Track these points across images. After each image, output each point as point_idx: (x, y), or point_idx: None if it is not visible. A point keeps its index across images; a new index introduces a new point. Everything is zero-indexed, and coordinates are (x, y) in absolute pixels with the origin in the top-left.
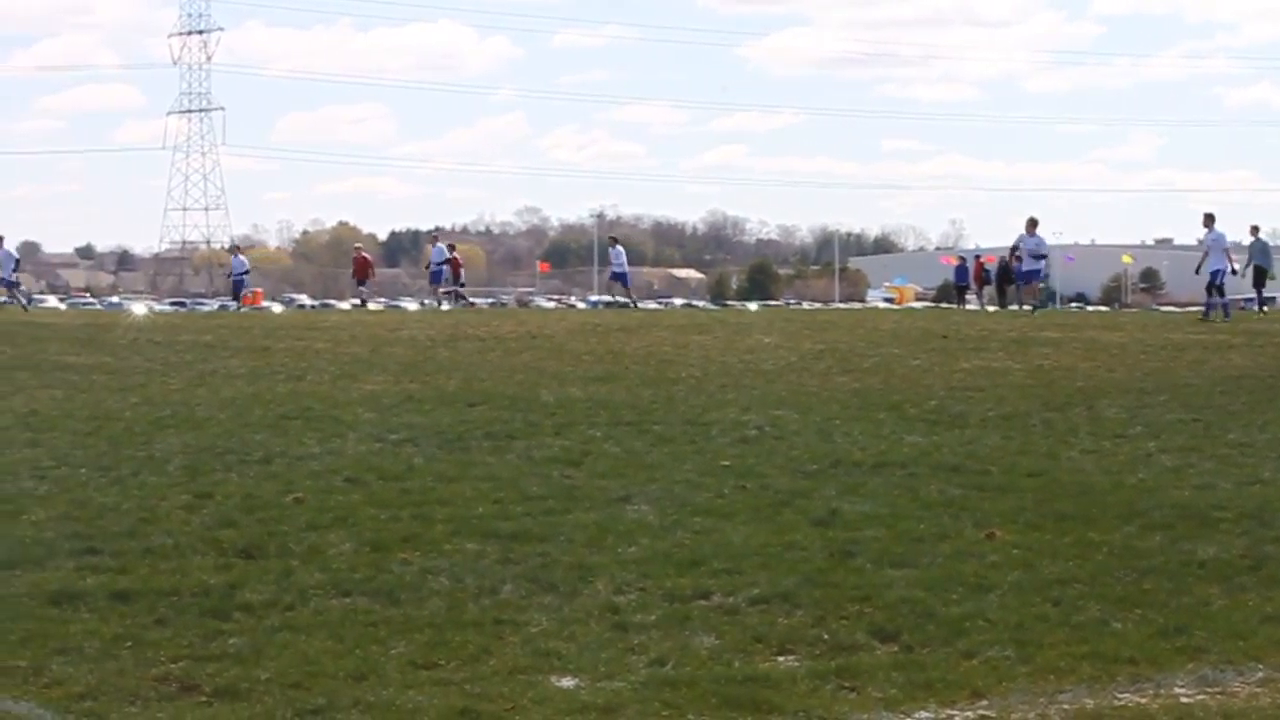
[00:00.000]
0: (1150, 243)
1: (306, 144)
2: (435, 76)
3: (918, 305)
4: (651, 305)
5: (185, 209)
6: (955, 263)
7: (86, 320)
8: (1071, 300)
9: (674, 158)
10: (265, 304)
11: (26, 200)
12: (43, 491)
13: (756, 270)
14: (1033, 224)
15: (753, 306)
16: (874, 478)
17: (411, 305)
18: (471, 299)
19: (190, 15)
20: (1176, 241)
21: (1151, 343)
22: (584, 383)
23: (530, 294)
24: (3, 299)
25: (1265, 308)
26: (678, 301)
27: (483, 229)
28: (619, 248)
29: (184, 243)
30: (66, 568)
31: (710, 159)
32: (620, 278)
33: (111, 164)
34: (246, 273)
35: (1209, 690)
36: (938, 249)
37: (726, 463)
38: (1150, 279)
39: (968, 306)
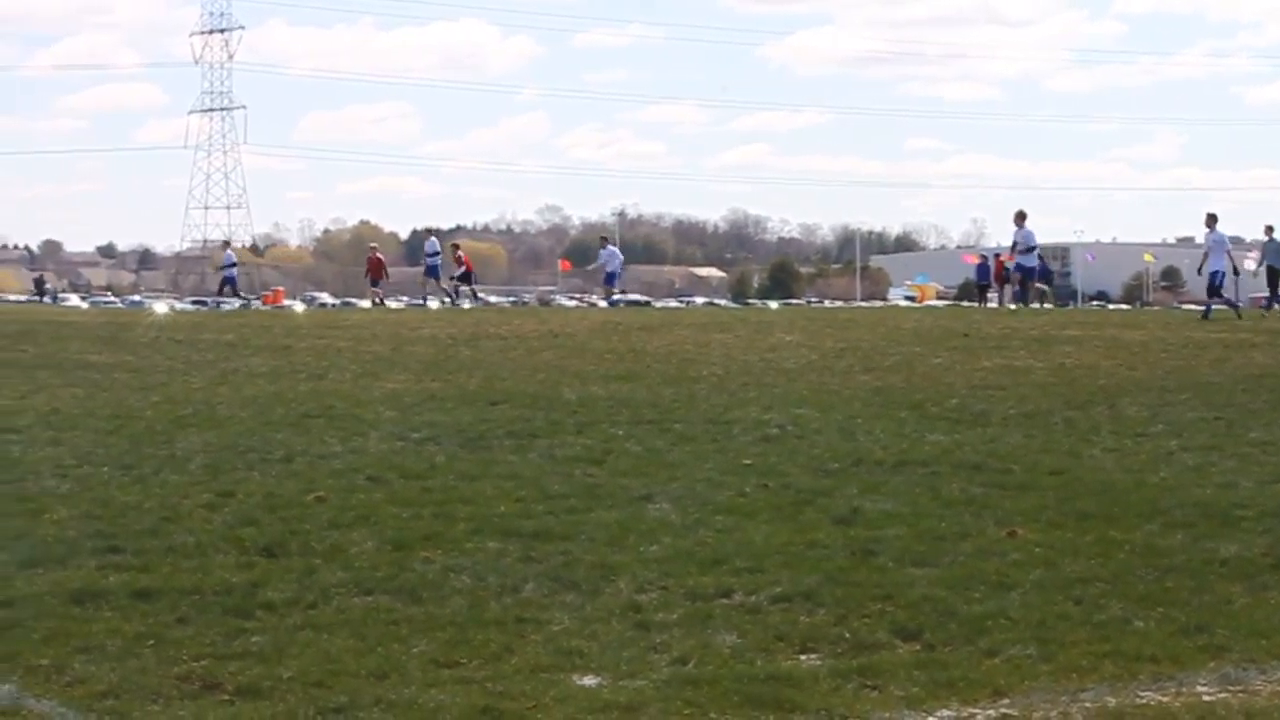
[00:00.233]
0: (1172, 241)
1: (328, 143)
2: (458, 75)
3: (939, 304)
4: (673, 303)
5: (207, 208)
6: (976, 261)
7: (108, 319)
8: (1093, 299)
9: (696, 157)
10: (287, 303)
11: (48, 199)
12: (65, 490)
13: (778, 269)
14: (1021, 216)
15: (774, 305)
16: (896, 476)
17: (433, 303)
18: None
19: (212, 14)
20: (1198, 240)
21: (1173, 341)
22: (606, 381)
23: (552, 293)
24: None
25: (1277, 305)
26: (699, 300)
27: (504, 228)
28: (611, 248)
29: (205, 241)
30: (88, 566)
31: (732, 158)
32: (610, 278)
33: (133, 163)
34: (234, 265)
35: (1231, 688)
36: (959, 247)
37: (748, 461)
38: (1171, 277)
39: (989, 305)
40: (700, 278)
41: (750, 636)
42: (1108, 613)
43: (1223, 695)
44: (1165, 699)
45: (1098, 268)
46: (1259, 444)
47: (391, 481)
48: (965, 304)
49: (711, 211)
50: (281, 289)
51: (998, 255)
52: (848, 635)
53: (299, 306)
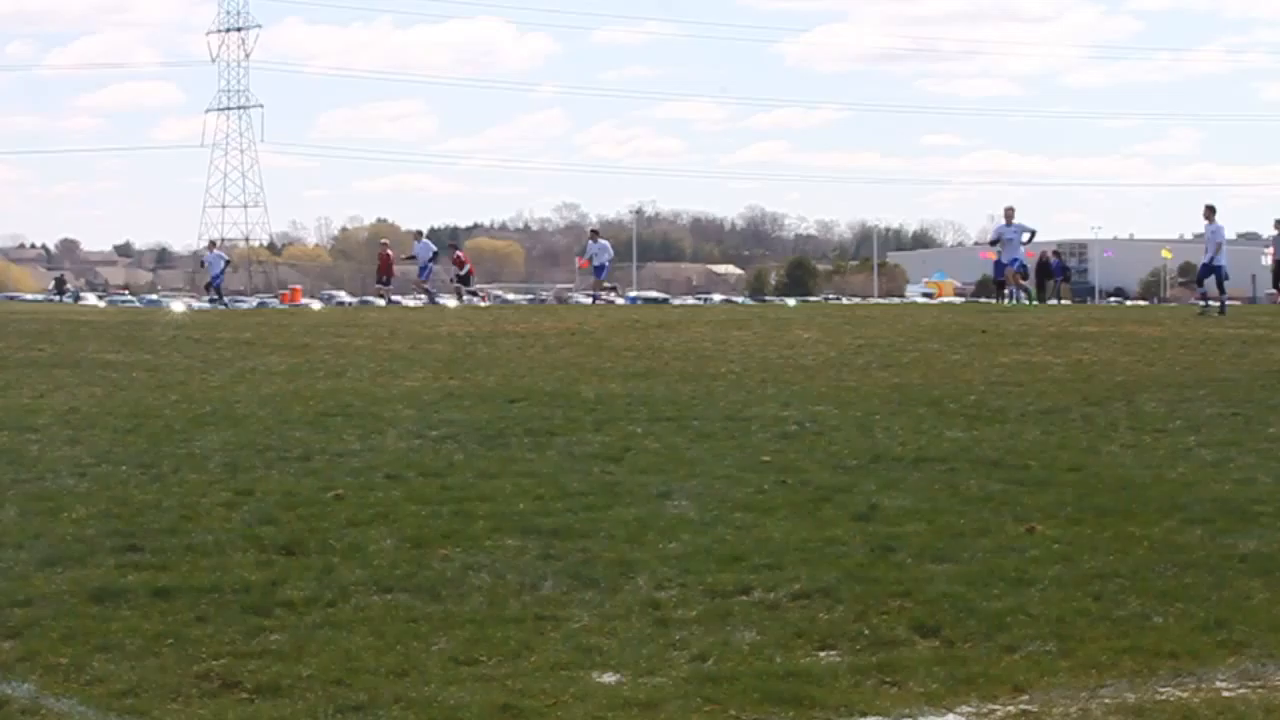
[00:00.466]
0: (1189, 237)
1: (345, 141)
2: (475, 73)
3: (956, 300)
4: (690, 301)
5: (224, 206)
6: (994, 258)
7: (126, 318)
8: (1111, 295)
9: (713, 154)
10: (304, 301)
11: (66, 198)
12: (83, 489)
13: (795, 266)
14: (1010, 213)
15: (791, 302)
16: (914, 473)
17: (451, 301)
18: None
19: (229, 12)
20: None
21: (1190, 337)
22: (624, 378)
23: (569, 290)
24: None
25: None
26: (717, 297)
27: (521, 225)
28: (602, 241)
29: (223, 240)
30: (107, 565)
31: (750, 155)
32: (599, 271)
33: (150, 162)
34: (228, 263)
35: (1250, 684)
36: (976, 244)
37: (767, 458)
38: (1189, 273)
39: (1006, 301)
40: (718, 275)
41: (769, 633)
42: (1127, 608)
43: (1242, 691)
44: (1184, 695)
45: (1115, 264)
46: (1277, 439)
47: (410, 479)
48: (983, 300)
49: (729, 209)
50: (299, 287)
51: None
52: (867, 632)
53: (316, 305)
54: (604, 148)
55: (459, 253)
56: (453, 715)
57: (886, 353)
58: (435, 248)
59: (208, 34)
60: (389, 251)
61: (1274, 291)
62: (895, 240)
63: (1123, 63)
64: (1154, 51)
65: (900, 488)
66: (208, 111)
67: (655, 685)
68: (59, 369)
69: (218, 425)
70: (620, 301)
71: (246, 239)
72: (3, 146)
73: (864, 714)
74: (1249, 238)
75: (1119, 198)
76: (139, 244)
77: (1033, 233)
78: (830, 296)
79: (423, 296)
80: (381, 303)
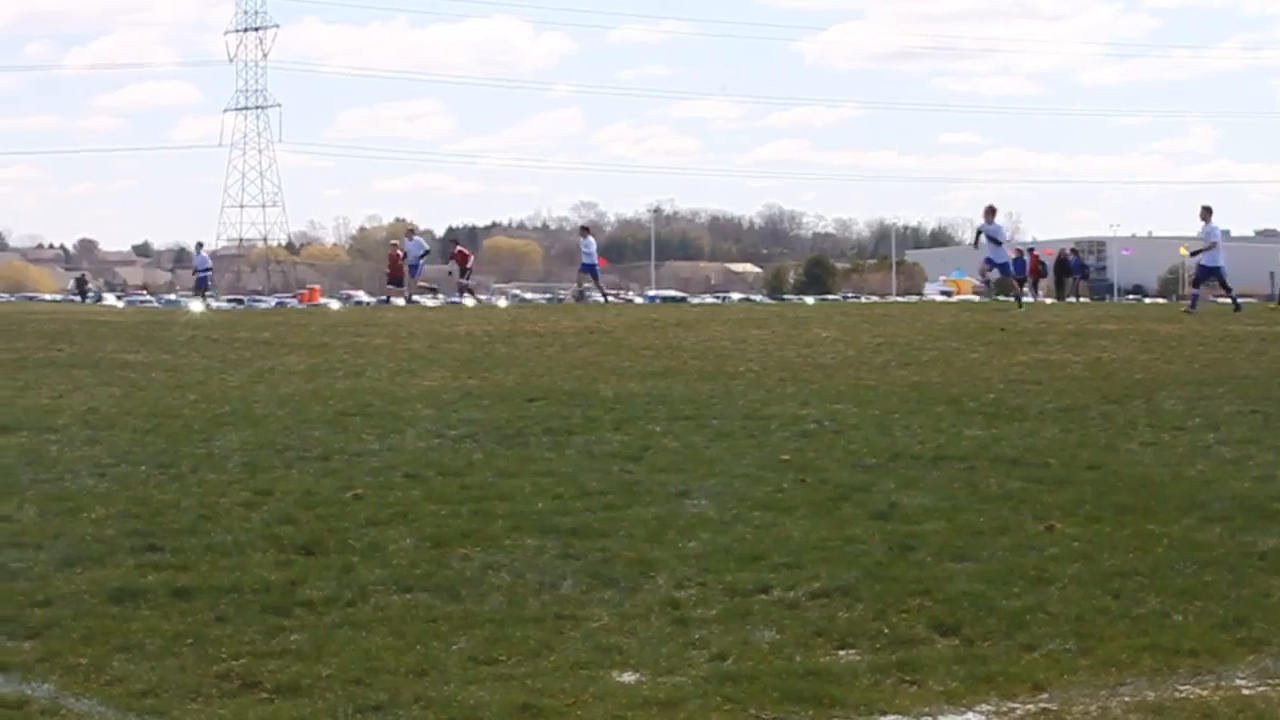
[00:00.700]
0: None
1: (363, 140)
2: (492, 72)
3: (975, 298)
4: (709, 299)
5: (242, 206)
6: (1012, 255)
7: (144, 318)
8: (1129, 293)
9: (731, 153)
10: (322, 301)
11: (84, 198)
12: (103, 489)
13: (813, 264)
14: (991, 211)
15: (810, 300)
16: (933, 471)
17: (469, 301)
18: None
19: (246, 12)
20: (1234, 234)
21: (1209, 334)
22: (642, 378)
23: (587, 289)
24: None
25: None
26: (735, 296)
27: (539, 224)
28: (590, 239)
29: (241, 240)
30: (127, 565)
31: (767, 153)
32: (589, 269)
33: (168, 162)
34: (209, 267)
35: (1270, 682)
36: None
37: (786, 457)
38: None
39: (1024, 299)
40: (736, 274)
41: (789, 632)
42: (1146, 606)
43: (1262, 689)
44: (1204, 693)
45: (1134, 261)
46: None
47: (429, 479)
48: (1001, 298)
49: (747, 207)
50: (317, 287)
51: (1032, 250)
52: (886, 630)
53: (334, 304)
54: (621, 146)
55: (459, 248)
56: (472, 715)
57: (905, 351)
58: (427, 246)
59: (225, 34)
60: (399, 251)
61: None
62: (913, 238)
63: (1139, 60)
64: (1170, 49)
65: (919, 486)
66: (225, 111)
67: (675, 684)
68: (78, 369)
69: (237, 425)
70: (638, 300)
71: (265, 239)
72: (21, 147)
73: (884, 712)
74: (1267, 234)
75: (1136, 195)
76: (157, 244)
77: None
78: (849, 295)
79: (418, 296)
80: (400, 302)
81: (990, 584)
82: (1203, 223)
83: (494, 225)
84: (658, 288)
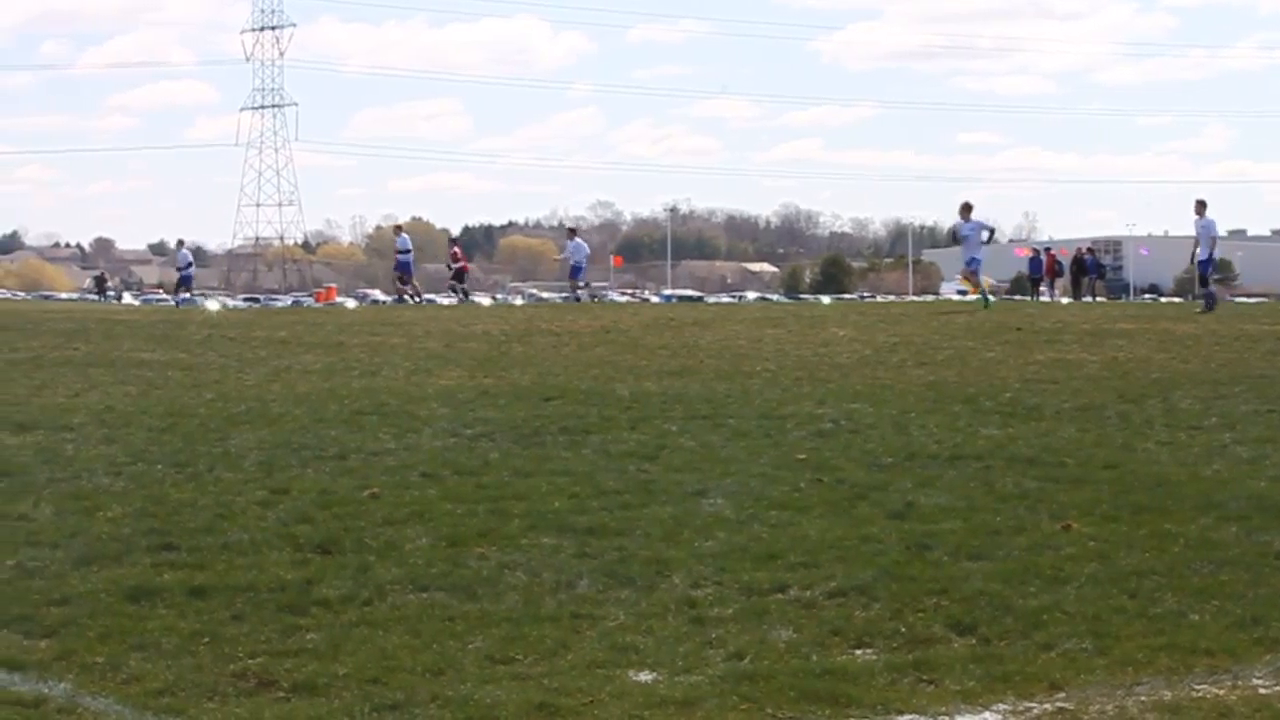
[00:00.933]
0: (1224, 234)
1: (380, 139)
2: (510, 71)
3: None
4: (725, 299)
5: (258, 205)
6: (1029, 255)
7: (161, 317)
8: (1145, 292)
9: (748, 152)
10: (339, 300)
11: (100, 197)
12: (119, 488)
13: (830, 263)
14: (966, 209)
15: (826, 300)
16: (949, 470)
17: (485, 300)
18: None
19: (263, 11)
20: (1250, 233)
21: (1225, 334)
22: (659, 377)
23: (604, 288)
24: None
25: None
26: (751, 295)
27: (557, 224)
28: (578, 240)
29: (257, 239)
30: (143, 564)
31: (784, 153)
32: (575, 271)
33: (185, 161)
34: (190, 265)
35: None
36: (1011, 241)
37: (802, 456)
38: (1224, 270)
39: (1041, 298)
40: (752, 273)
41: (805, 631)
42: (1163, 606)
43: (1278, 688)
44: (1221, 692)
45: (1150, 261)
46: None
47: (445, 478)
48: (1017, 298)
49: (763, 206)
50: (334, 286)
51: (1049, 249)
52: (903, 630)
53: (351, 304)
54: (638, 146)
55: (455, 248)
56: (489, 714)
57: (921, 350)
58: (409, 245)
59: (242, 32)
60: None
61: None
62: (930, 237)
63: (1157, 60)
64: (1188, 48)
65: (936, 485)
66: (242, 110)
67: (691, 683)
68: (94, 368)
69: (253, 424)
70: (655, 299)
71: (281, 238)
72: (37, 146)
73: (900, 712)
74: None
75: (1153, 195)
76: (173, 243)
77: (992, 231)
78: (865, 294)
79: (414, 298)
80: (415, 301)
81: (1007, 583)
82: (1197, 216)
83: (511, 224)
84: (674, 287)
